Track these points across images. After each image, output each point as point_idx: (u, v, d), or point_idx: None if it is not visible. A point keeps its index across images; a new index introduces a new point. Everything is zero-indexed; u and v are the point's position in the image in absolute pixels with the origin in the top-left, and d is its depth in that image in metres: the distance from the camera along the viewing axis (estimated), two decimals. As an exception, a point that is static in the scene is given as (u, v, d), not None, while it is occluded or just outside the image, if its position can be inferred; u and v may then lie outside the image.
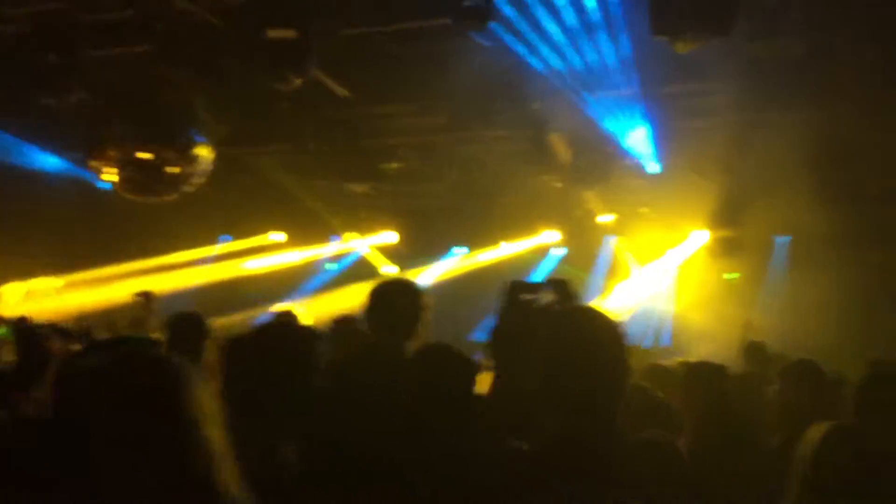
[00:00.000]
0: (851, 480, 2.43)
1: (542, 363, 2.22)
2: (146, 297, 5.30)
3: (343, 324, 5.44)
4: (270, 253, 12.95)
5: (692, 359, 5.69)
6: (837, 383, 4.43)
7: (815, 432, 2.62)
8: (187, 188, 7.11)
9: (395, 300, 3.51)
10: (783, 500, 2.61)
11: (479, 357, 3.09)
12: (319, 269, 14.04)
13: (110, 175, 6.71)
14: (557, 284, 2.42)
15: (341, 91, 8.31)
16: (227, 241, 12.82)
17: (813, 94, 7.26)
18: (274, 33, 6.04)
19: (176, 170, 6.69)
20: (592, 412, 2.14)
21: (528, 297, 2.36)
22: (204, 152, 6.87)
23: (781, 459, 3.37)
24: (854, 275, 9.62)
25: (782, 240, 11.96)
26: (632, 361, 2.24)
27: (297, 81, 6.26)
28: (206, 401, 1.61)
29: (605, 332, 2.20)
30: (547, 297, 2.36)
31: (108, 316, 6.04)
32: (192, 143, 6.74)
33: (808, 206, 9.03)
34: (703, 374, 4.38)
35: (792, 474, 2.63)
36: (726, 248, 10.46)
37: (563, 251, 13.65)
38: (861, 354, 5.76)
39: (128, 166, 6.53)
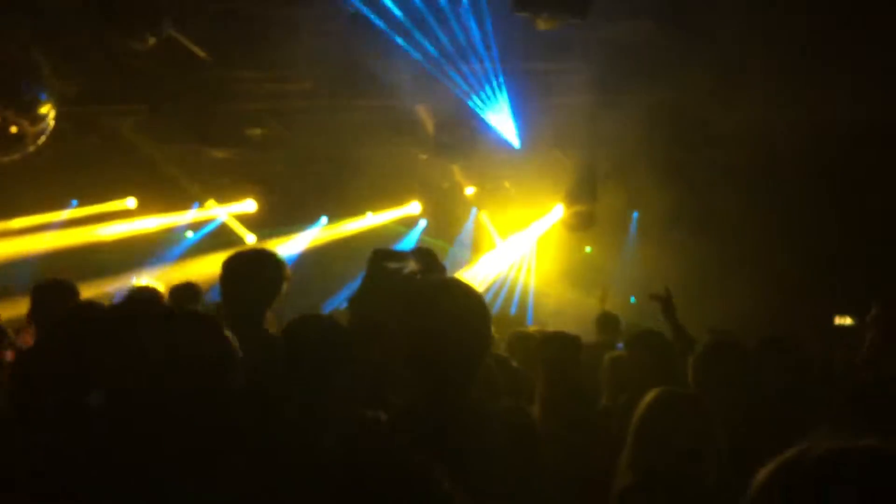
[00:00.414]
0: (669, 441, 2.61)
1: (402, 331, 2.25)
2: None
3: (183, 291, 5.32)
4: (124, 220, 12.37)
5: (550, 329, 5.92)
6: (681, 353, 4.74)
7: (649, 395, 2.80)
8: (29, 149, 6.69)
9: (251, 271, 3.43)
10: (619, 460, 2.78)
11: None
12: (178, 237, 13.57)
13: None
14: (422, 254, 2.44)
15: (200, 52, 8.00)
16: (75, 206, 12.15)
17: (664, 75, 7.60)
18: (126, -11, 5.76)
19: (17, 129, 6.27)
20: (450, 381, 2.18)
21: (393, 265, 2.36)
22: (47, 111, 6.47)
23: (620, 421, 3.58)
24: (692, 250, 10.23)
25: (634, 214, 12.56)
26: (493, 331, 2.30)
27: (152, 40, 6.00)
28: None
29: (466, 302, 2.24)
30: (411, 267, 2.38)
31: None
32: (35, 102, 6.33)
33: (654, 185, 9.52)
34: (555, 343, 4.56)
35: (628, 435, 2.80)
36: (581, 222, 10.87)
37: (424, 223, 13.80)
38: (700, 324, 6.14)
39: (-37, 125, 6.08)
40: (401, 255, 2.38)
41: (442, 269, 2.41)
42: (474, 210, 13.72)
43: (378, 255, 2.35)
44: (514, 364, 4.54)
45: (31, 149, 6.68)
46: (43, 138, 6.66)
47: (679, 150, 8.98)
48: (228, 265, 3.44)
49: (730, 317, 8.49)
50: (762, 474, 1.13)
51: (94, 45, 7.27)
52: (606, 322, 7.08)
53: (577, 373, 4.49)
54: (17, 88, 6.22)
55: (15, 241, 10.76)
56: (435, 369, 2.18)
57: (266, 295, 3.41)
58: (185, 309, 4.38)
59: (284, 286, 3.49)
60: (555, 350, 4.44)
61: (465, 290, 2.29)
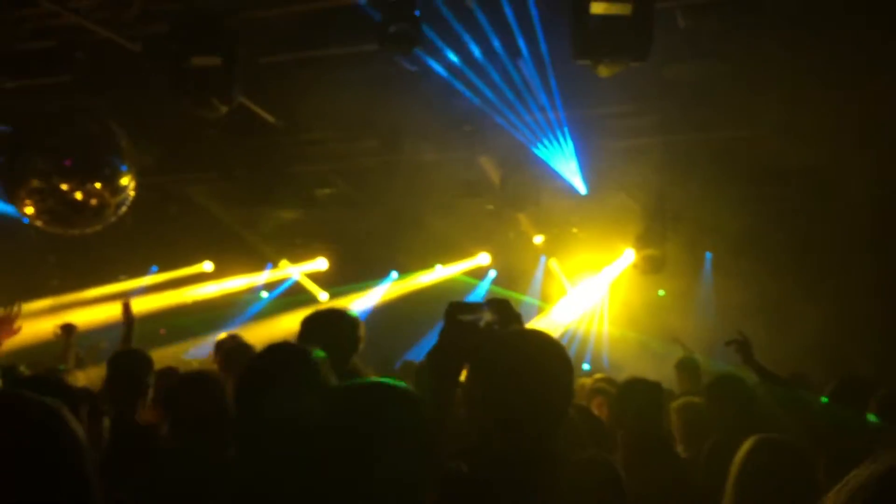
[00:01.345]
0: (773, 493, 2.49)
1: (483, 384, 2.23)
2: (67, 330, 5.15)
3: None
4: (203, 283, 12.71)
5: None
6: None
7: (747, 444, 2.69)
8: (111, 219, 6.95)
9: (328, 330, 3.50)
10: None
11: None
12: (255, 297, 13.86)
13: (31, 208, 6.52)
14: (497, 305, 2.42)
15: (269, 118, 8.26)
16: (155, 272, 12.54)
17: (731, 113, 7.51)
18: (199, 61, 5.98)
19: (99, 201, 6.53)
20: (530, 432, 2.15)
21: (468, 317, 2.35)
22: (127, 182, 6.73)
23: (707, 471, 3.45)
24: (767, 287, 9.99)
25: (707, 255, 12.32)
26: (574, 383, 2.26)
27: (224, 109, 6.20)
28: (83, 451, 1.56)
29: (547, 353, 2.21)
30: (486, 318, 2.37)
31: (32, 352, 5.82)
32: (115, 173, 6.59)
33: (726, 224, 9.35)
34: (637, 390, 4.44)
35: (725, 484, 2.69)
36: (653, 266, 10.69)
37: (494, 273, 13.78)
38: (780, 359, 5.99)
39: (49, 198, 6.35)
40: (476, 307, 2.36)
41: (518, 318, 2.38)
42: (543, 258, 13.64)
43: (453, 307, 2.34)
44: (595, 413, 4.46)
45: (113, 219, 6.93)
46: (124, 208, 6.92)
47: (751, 186, 8.81)
48: (306, 325, 3.52)
49: (807, 350, 8.27)
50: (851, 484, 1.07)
51: (168, 116, 7.58)
52: (687, 367, 6.91)
53: (660, 421, 4.37)
54: (98, 161, 6.50)
55: (99, 309, 11.11)
56: (515, 421, 2.15)
57: (343, 352, 3.46)
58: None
59: (361, 343, 3.56)
60: (637, 398, 4.32)
61: (544, 341, 2.27)
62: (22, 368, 4.44)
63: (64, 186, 6.27)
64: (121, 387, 4.13)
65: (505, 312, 2.36)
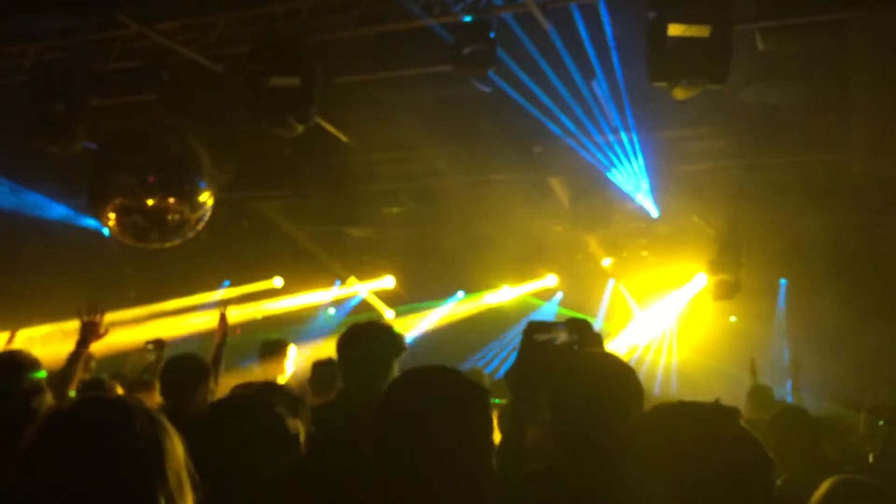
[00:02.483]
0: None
1: (553, 407, 2.22)
2: (158, 345, 5.34)
3: (322, 366, 5.43)
4: (273, 299, 12.93)
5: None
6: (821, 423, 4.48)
7: (825, 485, 2.59)
8: (189, 234, 7.15)
9: (362, 344, 3.53)
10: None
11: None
12: (322, 314, 14.03)
13: (114, 222, 6.75)
14: (577, 326, 2.42)
15: (342, 137, 8.39)
16: (227, 287, 12.81)
17: (809, 136, 7.34)
18: (277, 81, 6.13)
19: (179, 216, 6.73)
20: (602, 458, 2.13)
21: (543, 337, 2.36)
22: (206, 198, 6.93)
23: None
24: (849, 309, 9.71)
25: (782, 281, 12.03)
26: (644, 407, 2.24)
27: (300, 128, 6.33)
28: (178, 458, 1.61)
29: (617, 377, 2.21)
30: (562, 338, 2.37)
31: (115, 363, 6.02)
32: (195, 190, 6.79)
33: (804, 250, 9.12)
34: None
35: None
36: (726, 291, 10.45)
37: (561, 295, 13.68)
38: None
39: (132, 213, 6.57)
40: (553, 327, 2.36)
41: (598, 341, 2.38)
42: (612, 281, 13.48)
43: (531, 327, 2.35)
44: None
45: (191, 234, 7.13)
46: (202, 224, 7.11)
47: (830, 212, 8.57)
48: (342, 339, 3.55)
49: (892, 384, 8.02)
50: None
51: (245, 134, 7.77)
52: (759, 396, 6.72)
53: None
54: (179, 178, 6.71)
55: (173, 322, 11.38)
56: (579, 438, 2.16)
57: (385, 362, 3.48)
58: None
59: (403, 353, 3.56)
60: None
61: (615, 364, 2.25)
62: (104, 377, 4.59)
63: (147, 202, 6.48)
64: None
65: (584, 333, 2.35)
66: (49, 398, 3.61)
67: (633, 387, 2.24)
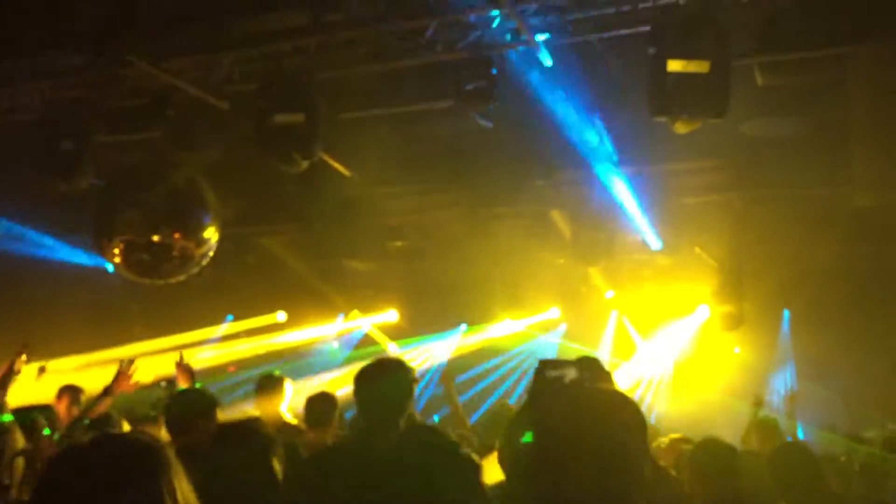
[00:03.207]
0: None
1: (553, 442, 2.22)
2: (171, 382, 5.35)
3: (316, 401, 5.41)
4: (276, 333, 12.92)
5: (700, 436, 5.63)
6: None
7: None
8: (194, 270, 7.18)
9: (378, 382, 3.54)
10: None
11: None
12: (326, 348, 14.00)
13: (119, 258, 6.79)
14: (586, 363, 2.45)
15: (346, 172, 8.45)
16: (230, 321, 12.81)
17: (810, 168, 7.40)
18: (282, 118, 6.20)
19: (184, 252, 6.77)
20: (608, 492, 2.13)
21: (554, 374, 2.38)
22: (211, 234, 6.97)
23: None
24: (854, 334, 9.71)
25: (785, 312, 12.04)
26: (648, 444, 2.24)
27: (305, 164, 6.39)
28: (185, 490, 1.63)
29: (620, 412, 2.20)
30: (571, 375, 2.38)
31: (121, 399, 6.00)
32: (200, 226, 6.84)
33: (807, 281, 9.14)
34: (708, 451, 4.31)
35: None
36: (729, 323, 10.45)
37: (564, 327, 13.67)
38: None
39: (137, 250, 6.61)
40: (564, 364, 2.38)
41: (607, 377, 2.40)
42: (615, 313, 13.48)
43: (543, 364, 2.37)
44: (674, 473, 4.36)
45: (196, 269, 7.16)
46: (207, 259, 7.14)
47: (832, 244, 8.60)
48: (359, 378, 3.56)
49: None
50: None
51: (249, 170, 7.82)
52: (765, 429, 6.68)
53: (735, 484, 4.22)
54: (185, 214, 6.75)
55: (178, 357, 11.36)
56: (590, 480, 2.13)
57: (397, 402, 3.49)
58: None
59: (411, 394, 3.58)
60: (708, 459, 4.19)
61: (618, 399, 2.26)
62: (114, 413, 4.60)
63: (152, 238, 6.52)
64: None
65: (594, 370, 2.37)
66: (19, 438, 3.63)
67: (634, 424, 2.23)
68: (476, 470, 2.58)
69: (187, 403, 4.46)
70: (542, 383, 2.33)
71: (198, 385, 5.51)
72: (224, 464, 2.35)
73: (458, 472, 2.54)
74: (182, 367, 5.77)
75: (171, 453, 1.66)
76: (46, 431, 4.92)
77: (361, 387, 3.54)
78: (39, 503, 1.59)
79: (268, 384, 5.77)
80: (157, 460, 1.62)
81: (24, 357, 5.26)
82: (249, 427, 2.50)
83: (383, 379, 3.55)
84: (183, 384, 5.53)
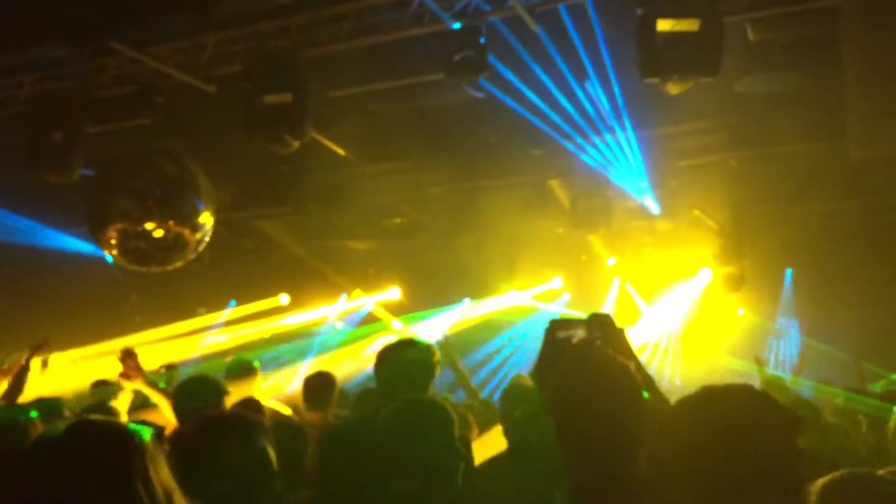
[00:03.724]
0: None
1: (558, 403, 2.21)
2: (170, 368, 5.31)
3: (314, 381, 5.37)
4: (279, 315, 12.92)
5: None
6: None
7: (821, 480, 2.55)
8: (190, 255, 7.16)
9: (399, 361, 3.52)
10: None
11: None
12: (330, 328, 14.01)
13: (116, 247, 6.77)
14: (598, 321, 2.42)
15: (340, 151, 8.40)
16: (233, 306, 12.81)
17: (810, 125, 7.32)
18: (270, 98, 6.14)
19: (180, 238, 6.74)
20: (608, 455, 2.12)
21: (563, 334, 2.36)
22: (206, 219, 6.94)
23: None
24: (857, 289, 9.68)
25: (787, 271, 12.00)
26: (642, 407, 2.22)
27: (296, 144, 6.33)
28: (163, 477, 1.64)
29: (617, 374, 2.19)
30: (580, 335, 2.37)
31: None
32: (195, 211, 6.81)
33: (808, 240, 9.09)
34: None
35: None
36: (731, 284, 10.42)
37: (568, 297, 13.66)
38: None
39: (133, 238, 6.58)
40: (573, 324, 2.37)
41: (620, 335, 2.37)
42: (617, 280, 13.46)
43: (553, 325, 2.36)
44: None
45: (193, 255, 7.14)
46: (203, 245, 7.11)
47: (831, 200, 8.54)
48: (381, 356, 3.54)
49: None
50: None
51: (241, 153, 7.78)
52: (774, 389, 6.68)
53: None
54: (178, 200, 6.72)
55: (181, 343, 11.38)
56: (588, 440, 2.14)
57: (420, 379, 3.47)
58: None
59: (437, 370, 3.56)
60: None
61: (609, 364, 2.24)
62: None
63: (147, 226, 6.49)
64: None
65: (605, 328, 2.35)
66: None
67: (625, 384, 2.22)
68: (446, 420, 2.60)
69: (197, 391, 4.37)
70: (550, 344, 2.32)
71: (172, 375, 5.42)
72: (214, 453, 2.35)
73: (428, 423, 2.57)
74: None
75: (146, 441, 1.65)
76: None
77: (383, 366, 3.53)
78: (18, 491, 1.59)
79: (238, 373, 5.58)
80: (129, 447, 1.63)
81: (41, 355, 5.18)
82: (237, 415, 2.49)
83: (404, 358, 3.56)
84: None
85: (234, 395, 4.48)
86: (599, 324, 2.40)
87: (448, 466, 2.59)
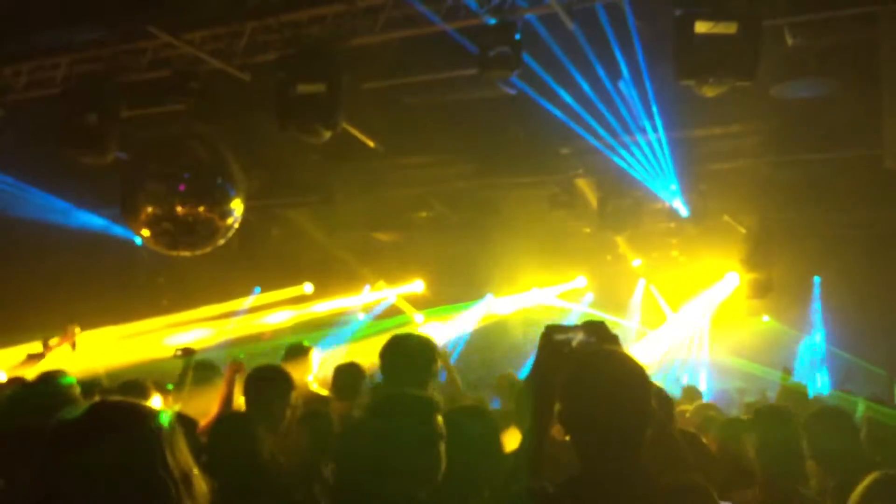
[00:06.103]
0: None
1: (564, 403, 2.23)
2: (187, 353, 5.34)
3: (344, 371, 5.44)
4: (303, 305, 13.00)
5: (734, 407, 5.58)
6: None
7: (867, 479, 2.55)
8: (219, 241, 7.21)
9: (404, 355, 3.57)
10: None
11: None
12: (352, 318, 14.08)
13: (147, 231, 6.84)
14: (592, 327, 2.44)
15: (370, 142, 8.42)
16: (258, 293, 12.90)
17: (843, 132, 7.24)
18: (304, 88, 6.17)
19: (209, 224, 6.80)
20: (610, 451, 2.14)
21: (561, 338, 2.38)
22: (236, 205, 6.99)
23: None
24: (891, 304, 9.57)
25: (815, 279, 11.89)
26: (654, 405, 2.23)
27: (327, 134, 6.36)
28: (181, 457, 1.66)
29: (627, 374, 2.21)
30: (578, 339, 2.39)
31: (146, 370, 6.06)
32: (225, 198, 6.86)
33: (838, 247, 8.99)
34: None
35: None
36: (758, 290, 10.34)
37: (591, 296, 13.63)
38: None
39: (164, 222, 6.65)
40: (571, 329, 2.39)
41: (614, 340, 2.38)
42: (642, 281, 13.40)
43: (549, 329, 2.38)
44: (705, 441, 4.32)
45: (222, 241, 7.19)
46: (232, 231, 7.17)
47: (863, 208, 8.44)
48: (382, 351, 3.61)
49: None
50: None
51: (273, 141, 7.82)
52: (796, 396, 6.64)
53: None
54: (210, 186, 6.77)
55: (207, 328, 11.48)
56: (592, 437, 2.17)
57: (421, 373, 3.50)
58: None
59: (437, 364, 3.63)
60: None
61: (626, 362, 2.26)
62: (147, 380, 4.60)
63: (178, 210, 6.55)
64: None
65: (601, 334, 2.37)
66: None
67: (637, 382, 2.23)
68: (430, 407, 2.62)
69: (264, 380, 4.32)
70: (548, 347, 2.34)
71: None
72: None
73: (415, 413, 2.59)
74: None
75: (164, 422, 1.68)
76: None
77: (385, 360, 3.58)
78: (38, 473, 1.62)
79: (295, 353, 5.80)
80: (146, 429, 1.65)
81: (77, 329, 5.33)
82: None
83: (404, 349, 3.63)
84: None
85: (293, 374, 4.52)
86: (594, 330, 2.42)
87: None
